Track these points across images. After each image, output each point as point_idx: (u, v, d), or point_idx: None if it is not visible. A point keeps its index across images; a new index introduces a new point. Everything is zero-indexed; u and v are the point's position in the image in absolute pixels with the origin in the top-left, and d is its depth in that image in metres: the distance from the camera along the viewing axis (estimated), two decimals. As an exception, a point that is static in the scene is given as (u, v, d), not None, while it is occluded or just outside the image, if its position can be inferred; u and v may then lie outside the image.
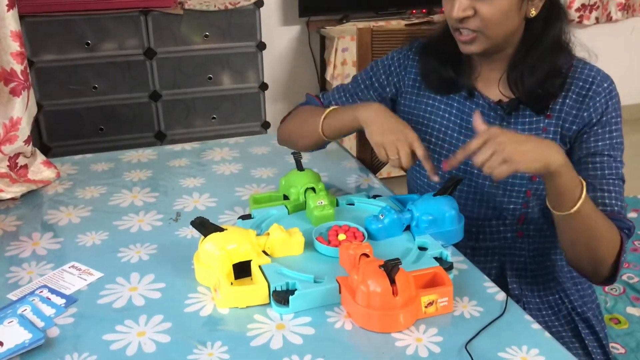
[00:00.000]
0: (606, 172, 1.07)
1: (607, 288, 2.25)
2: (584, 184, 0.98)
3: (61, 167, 1.39)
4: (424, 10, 3.02)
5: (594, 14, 3.49)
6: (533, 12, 1.07)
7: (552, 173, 0.95)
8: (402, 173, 1.53)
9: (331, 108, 1.21)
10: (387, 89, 1.27)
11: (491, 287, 0.96)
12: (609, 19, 3.55)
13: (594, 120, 1.09)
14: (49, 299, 0.93)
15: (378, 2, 2.98)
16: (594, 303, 1.21)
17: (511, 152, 0.93)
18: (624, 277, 2.30)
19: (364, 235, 1.03)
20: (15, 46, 1.16)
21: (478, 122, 0.99)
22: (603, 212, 1.04)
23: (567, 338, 1.15)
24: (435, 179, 1.06)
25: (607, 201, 1.06)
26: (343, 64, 2.73)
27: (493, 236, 1.18)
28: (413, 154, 1.06)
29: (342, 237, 1.02)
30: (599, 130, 1.09)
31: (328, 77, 2.76)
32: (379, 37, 1.45)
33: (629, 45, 3.68)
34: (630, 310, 2.18)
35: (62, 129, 2.54)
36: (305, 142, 1.27)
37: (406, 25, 2.85)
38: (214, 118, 2.70)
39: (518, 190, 1.13)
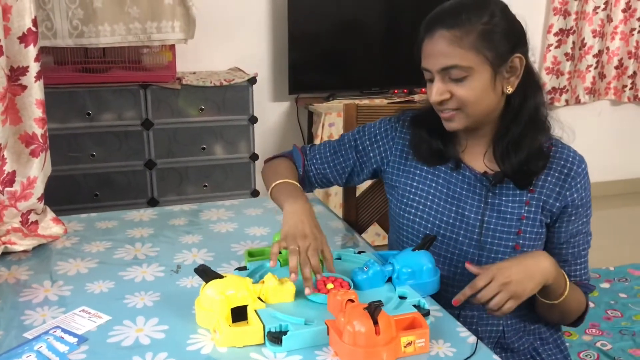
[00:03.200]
0: (581, 248, 1.26)
1: (581, 354, 2.34)
2: (567, 278, 1.17)
3: (68, 224, 1.49)
4: (405, 90, 3.23)
5: (564, 96, 3.74)
6: (510, 89, 1.16)
7: (546, 283, 1.14)
8: (384, 242, 1.65)
9: (281, 181, 1.27)
10: (371, 155, 1.35)
11: (463, 332, 1.06)
12: (577, 101, 3.80)
13: (577, 202, 1.22)
14: (62, 337, 1.01)
15: (362, 82, 3.19)
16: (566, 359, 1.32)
17: (515, 289, 1.09)
18: (598, 344, 2.39)
19: (349, 284, 1.14)
20: (38, 113, 1.30)
21: (472, 268, 1.13)
22: (575, 281, 1.24)
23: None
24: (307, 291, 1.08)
25: (578, 272, 1.27)
26: (329, 138, 2.89)
27: (473, 306, 1.25)
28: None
29: (330, 285, 1.12)
30: (581, 211, 1.23)
31: (315, 149, 2.91)
32: (364, 112, 1.60)
33: (596, 126, 3.91)
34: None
35: (58, 194, 2.58)
36: None
37: (388, 103, 3.05)
38: (205, 186, 2.80)
39: (501, 258, 1.21)
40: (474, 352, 1.00)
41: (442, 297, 1.22)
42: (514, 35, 1.16)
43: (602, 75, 3.85)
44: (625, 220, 3.70)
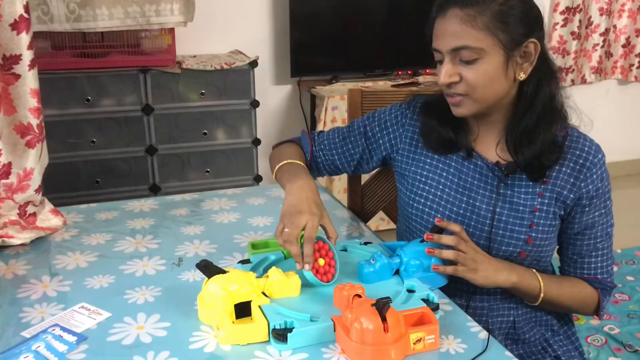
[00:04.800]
0: (598, 241, 1.21)
1: (589, 339, 2.32)
2: (542, 283, 1.17)
3: (67, 215, 1.46)
4: (409, 72, 3.18)
5: (570, 76, 3.68)
6: (522, 76, 1.12)
7: (508, 288, 1.16)
8: (391, 227, 1.62)
9: (284, 162, 1.25)
10: (380, 142, 1.32)
11: (474, 327, 1.03)
12: (583, 81, 3.75)
13: (592, 194, 1.17)
14: (61, 336, 0.99)
15: (366, 63, 3.14)
16: (577, 351, 1.29)
17: (481, 264, 1.12)
18: (606, 329, 2.37)
19: (333, 253, 1.11)
20: (33, 102, 1.26)
21: (444, 223, 1.13)
22: (587, 275, 1.22)
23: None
24: (307, 267, 1.06)
25: (593, 266, 1.23)
26: (333, 122, 2.85)
27: (483, 297, 1.23)
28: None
29: (321, 261, 1.09)
30: (597, 202, 1.19)
31: (318, 133, 2.87)
32: (369, 98, 1.56)
33: (602, 106, 3.86)
34: (612, 360, 2.24)
35: (59, 182, 2.59)
36: None
37: (392, 85, 3.00)
38: (207, 172, 2.78)
39: (512, 251, 1.19)
40: (485, 348, 0.97)
41: (451, 289, 1.19)
42: (530, 19, 1.11)
43: (608, 54, 3.78)
44: (633, 202, 3.66)
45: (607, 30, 3.68)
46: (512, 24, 1.09)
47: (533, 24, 1.12)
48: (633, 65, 3.79)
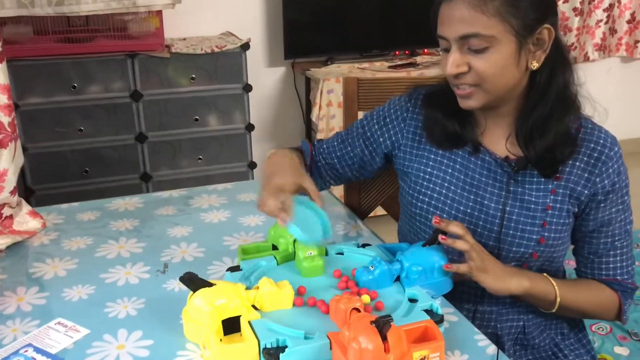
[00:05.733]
0: (616, 239, 1.13)
1: (594, 327, 2.26)
2: (556, 288, 1.09)
3: (47, 216, 1.38)
4: (406, 52, 3.08)
5: (572, 54, 3.57)
6: (535, 65, 1.04)
7: (521, 296, 1.08)
8: (384, 213, 1.54)
9: (274, 151, 1.25)
10: (381, 140, 1.24)
11: (482, 340, 0.96)
12: (586, 58, 3.64)
13: (608, 189, 1.09)
14: (34, 359, 0.91)
15: (362, 44, 3.03)
16: (589, 355, 1.21)
17: (490, 267, 1.04)
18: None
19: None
20: (3, 99, 1.17)
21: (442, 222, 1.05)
22: (606, 277, 1.14)
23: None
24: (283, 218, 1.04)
25: (612, 266, 1.14)
26: (328, 105, 2.76)
27: (492, 301, 1.16)
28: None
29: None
30: (613, 197, 1.10)
31: (314, 117, 2.78)
32: (365, 86, 1.47)
33: (605, 85, 3.76)
34: (617, 350, 2.18)
35: (47, 172, 2.52)
36: None
37: (389, 67, 2.90)
38: (200, 159, 2.70)
39: (524, 252, 1.11)
40: (494, 366, 0.90)
41: (457, 293, 1.11)
42: (543, 3, 1.02)
43: (612, 31, 3.67)
44: (634, 182, 3.58)
45: (611, 6, 3.57)
46: (524, 8, 1.00)
47: (547, 8, 1.03)
48: (638, 41, 3.68)
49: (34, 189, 2.52)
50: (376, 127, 1.25)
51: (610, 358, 2.13)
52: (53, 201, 1.68)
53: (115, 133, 2.56)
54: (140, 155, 2.62)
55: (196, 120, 2.63)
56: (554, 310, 1.11)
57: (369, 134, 1.25)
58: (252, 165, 2.77)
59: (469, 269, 1.02)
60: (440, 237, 1.02)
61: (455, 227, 1.02)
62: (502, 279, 1.04)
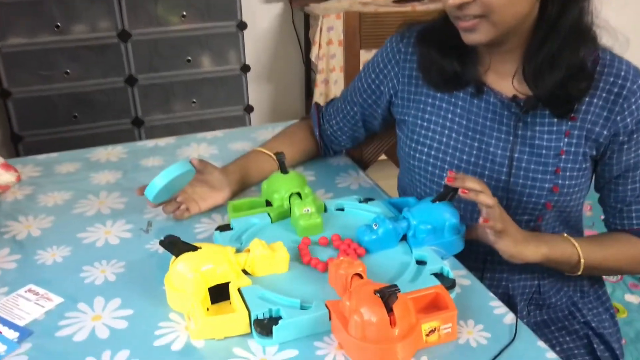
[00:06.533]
0: None
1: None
2: (579, 249, 0.99)
3: (23, 168, 1.26)
4: (412, -15, 2.88)
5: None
6: None
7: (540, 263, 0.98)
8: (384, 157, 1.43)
9: (258, 149, 1.21)
10: (381, 90, 1.13)
11: (498, 307, 0.86)
12: (602, -9, 3.44)
13: (632, 127, 0.97)
14: (1, 332, 0.82)
15: (364, -23, 2.84)
16: (608, 313, 1.12)
17: (510, 230, 0.93)
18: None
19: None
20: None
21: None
22: (637, 226, 1.02)
23: (579, 357, 1.05)
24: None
25: None
26: (329, 44, 2.60)
27: (502, 258, 1.05)
28: None
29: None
30: (638, 137, 0.98)
31: (313, 57, 2.63)
32: (368, 22, 1.33)
33: (626, 10, 3.55)
34: (628, 297, 2.11)
35: (34, 118, 2.41)
36: None
37: (394, 1, 2.72)
38: (194, 102, 2.58)
39: (536, 202, 1.00)
40: (513, 338, 0.80)
41: (464, 251, 1.01)
42: None
43: (630, -39, 3.45)
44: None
45: None
46: None
47: None
48: (657, -28, 3.47)
49: (21, 135, 2.40)
50: (372, 76, 1.13)
51: (620, 306, 2.07)
52: (43, 148, 1.57)
53: (103, 76, 2.43)
54: (131, 99, 2.50)
55: (188, 61, 2.50)
56: (579, 273, 1.00)
57: (366, 86, 1.15)
58: (249, 108, 2.65)
59: (489, 214, 0.90)
60: (461, 190, 0.91)
61: (472, 183, 0.90)
62: (519, 245, 0.93)
